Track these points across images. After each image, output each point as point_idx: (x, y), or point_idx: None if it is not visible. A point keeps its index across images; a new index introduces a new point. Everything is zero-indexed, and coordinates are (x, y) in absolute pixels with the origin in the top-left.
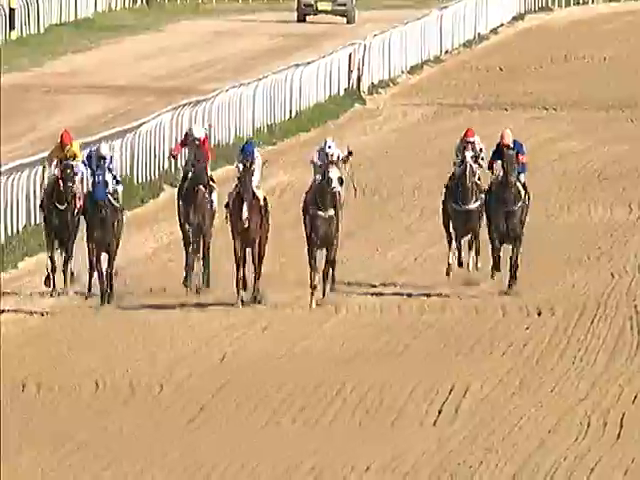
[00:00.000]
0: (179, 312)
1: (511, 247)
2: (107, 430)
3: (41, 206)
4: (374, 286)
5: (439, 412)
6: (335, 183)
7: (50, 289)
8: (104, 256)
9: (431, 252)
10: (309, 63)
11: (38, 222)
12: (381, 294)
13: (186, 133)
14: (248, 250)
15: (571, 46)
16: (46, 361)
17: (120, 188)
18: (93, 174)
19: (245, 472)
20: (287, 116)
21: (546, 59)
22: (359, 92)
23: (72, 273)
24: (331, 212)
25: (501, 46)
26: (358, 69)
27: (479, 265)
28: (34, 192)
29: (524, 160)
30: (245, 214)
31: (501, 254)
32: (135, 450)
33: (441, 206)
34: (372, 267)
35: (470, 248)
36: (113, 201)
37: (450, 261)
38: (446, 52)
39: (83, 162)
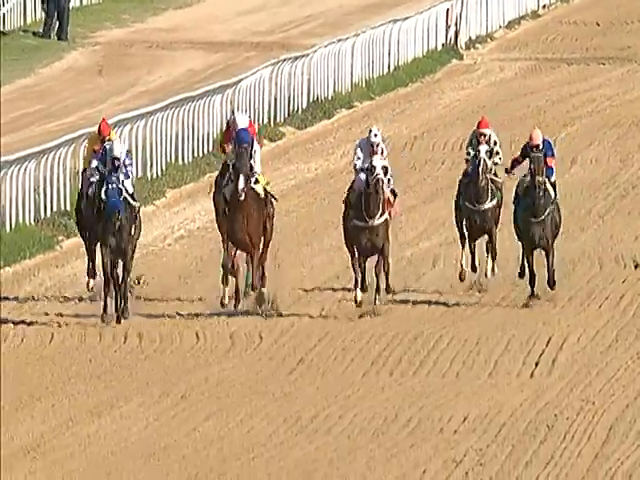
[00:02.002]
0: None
1: (544, 255)
2: (208, 381)
3: (79, 209)
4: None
5: (536, 364)
6: (379, 170)
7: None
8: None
9: None
10: (407, 18)
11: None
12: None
13: (228, 122)
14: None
15: None
16: (146, 311)
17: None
18: (106, 181)
19: (343, 423)
20: (385, 71)
21: None
22: (456, 47)
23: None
24: (376, 221)
25: (599, 0)
26: (456, 24)
27: (495, 271)
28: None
29: (552, 164)
30: (241, 184)
31: (534, 267)
32: (235, 401)
33: (453, 205)
34: None
35: (487, 251)
36: (130, 200)
37: (463, 263)
38: (543, 6)
39: (97, 162)
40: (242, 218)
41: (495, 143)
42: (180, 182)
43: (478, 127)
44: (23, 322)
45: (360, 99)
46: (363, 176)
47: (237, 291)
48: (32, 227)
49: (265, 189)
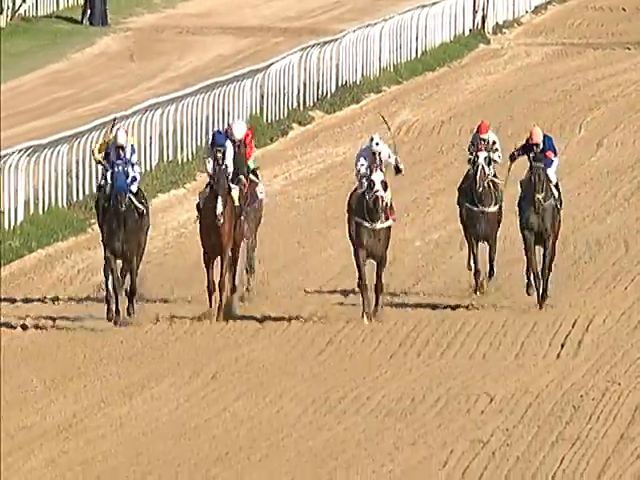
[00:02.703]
0: (310, 249)
1: (542, 251)
2: (238, 362)
3: (97, 206)
4: None
5: (562, 346)
6: (378, 186)
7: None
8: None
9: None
10: (434, 4)
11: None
12: (507, 228)
13: (226, 130)
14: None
15: None
16: (178, 293)
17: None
18: (112, 167)
19: (371, 404)
20: (413, 56)
21: None
22: (483, 32)
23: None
24: (379, 224)
25: None
26: (483, 9)
27: (494, 275)
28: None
29: (551, 156)
30: (220, 209)
31: (537, 268)
32: (265, 382)
33: (457, 208)
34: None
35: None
36: (136, 202)
37: (472, 263)
38: None
39: (106, 154)
40: (218, 229)
41: (494, 143)
42: None
43: (478, 132)
44: (56, 300)
45: (388, 83)
46: (364, 185)
47: (219, 307)
48: (64, 210)
49: (239, 197)
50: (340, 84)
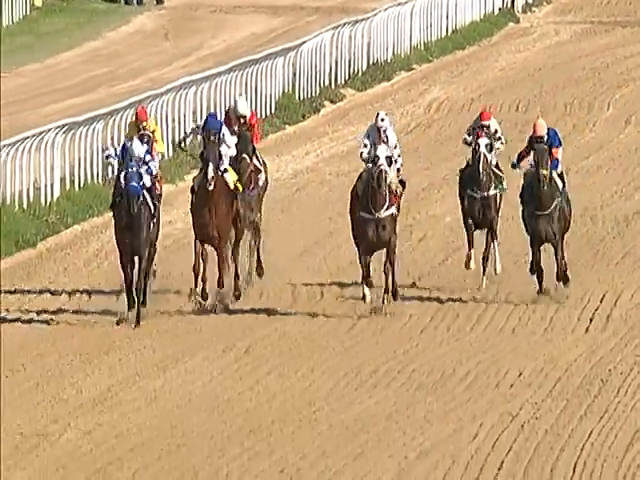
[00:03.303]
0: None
1: (553, 249)
2: (270, 336)
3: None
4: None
5: (590, 320)
6: (383, 161)
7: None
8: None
9: (584, 164)
10: None
11: None
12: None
13: (227, 110)
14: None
15: None
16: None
17: (155, 166)
18: (126, 167)
19: (402, 377)
20: (443, 34)
21: None
22: (513, 11)
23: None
24: (384, 213)
25: None
26: None
27: (498, 267)
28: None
29: (558, 154)
30: (211, 173)
31: (542, 263)
32: (297, 356)
33: (458, 195)
34: None
35: (487, 246)
36: (148, 198)
37: (470, 253)
38: None
39: (116, 153)
40: (210, 210)
41: (496, 131)
42: None
43: (480, 119)
44: (95, 268)
45: (419, 61)
46: (370, 167)
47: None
48: (99, 186)
49: (235, 184)
50: (371, 62)
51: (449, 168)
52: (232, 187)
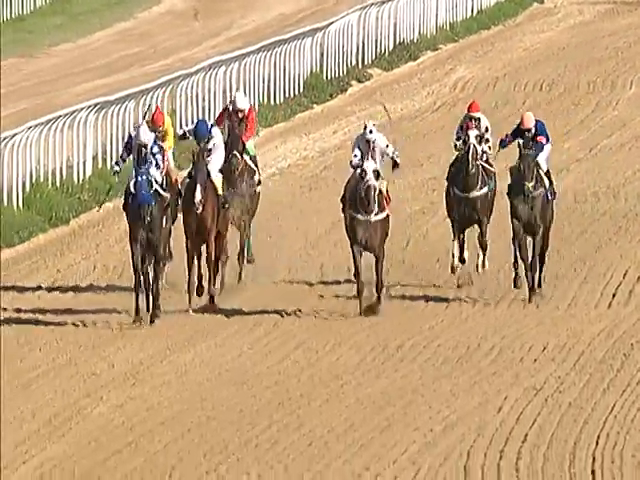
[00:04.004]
0: None
1: (533, 242)
2: (298, 312)
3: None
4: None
5: (613, 295)
6: (370, 176)
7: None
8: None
9: (606, 142)
10: None
11: None
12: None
13: (226, 105)
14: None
15: None
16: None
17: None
18: (135, 174)
19: (428, 352)
20: (468, 14)
21: None
22: None
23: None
24: (373, 216)
25: None
26: None
27: (486, 265)
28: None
29: (542, 140)
30: (198, 196)
31: (527, 256)
32: (324, 330)
33: (444, 192)
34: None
35: (478, 244)
36: (161, 191)
37: (455, 254)
38: None
39: (125, 148)
40: (199, 224)
41: (487, 130)
42: (272, 121)
43: (469, 110)
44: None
45: (444, 41)
46: (357, 175)
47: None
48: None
49: (223, 188)
50: (398, 42)
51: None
52: (220, 192)
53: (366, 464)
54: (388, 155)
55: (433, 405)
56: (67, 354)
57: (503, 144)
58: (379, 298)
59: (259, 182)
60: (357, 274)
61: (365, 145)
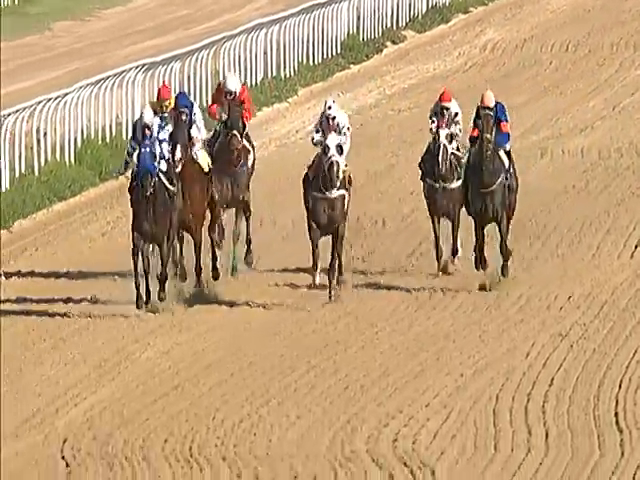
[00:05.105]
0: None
1: (498, 231)
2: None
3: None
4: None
5: (636, 246)
6: (333, 151)
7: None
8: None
9: (629, 101)
10: None
11: None
12: (591, 133)
13: (218, 85)
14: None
15: None
16: (280, 198)
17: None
18: (140, 146)
19: (458, 300)
20: None
21: None
22: None
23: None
24: (335, 193)
25: None
26: None
27: (459, 254)
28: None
29: (506, 129)
30: (178, 154)
31: (485, 245)
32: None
33: (421, 183)
34: (582, 113)
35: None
36: (166, 182)
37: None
38: None
39: (133, 133)
40: (184, 194)
41: (456, 114)
42: (310, 81)
43: (440, 100)
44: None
45: (475, 4)
46: (321, 154)
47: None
48: None
49: (209, 166)
50: (430, 5)
51: (508, 104)
52: (206, 170)
53: (400, 407)
54: (341, 135)
55: (464, 351)
56: (118, 303)
57: (473, 140)
58: (335, 282)
59: (254, 161)
60: (315, 259)
61: (325, 122)
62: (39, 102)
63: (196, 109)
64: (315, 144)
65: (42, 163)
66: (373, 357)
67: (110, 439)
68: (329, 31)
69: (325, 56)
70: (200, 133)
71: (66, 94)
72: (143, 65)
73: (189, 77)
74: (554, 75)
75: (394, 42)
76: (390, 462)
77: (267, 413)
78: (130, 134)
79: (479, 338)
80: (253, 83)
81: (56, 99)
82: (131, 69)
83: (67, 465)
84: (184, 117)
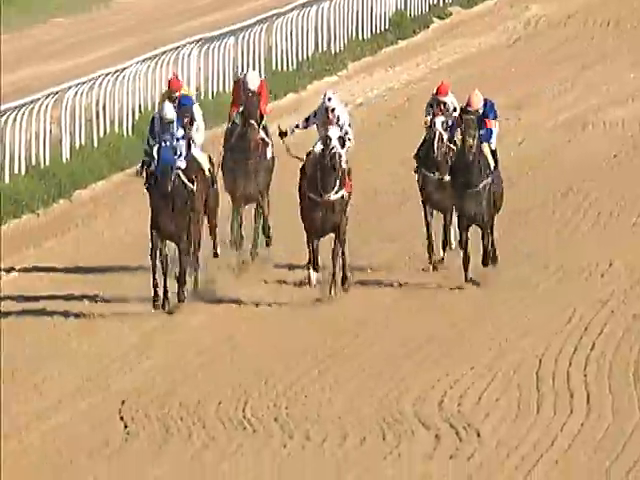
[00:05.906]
0: None
1: (480, 232)
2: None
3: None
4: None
5: None
6: (335, 142)
7: None
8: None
9: None
10: None
11: None
12: (632, 105)
13: (236, 81)
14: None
15: None
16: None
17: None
18: (159, 141)
19: (502, 269)
20: None
21: None
22: None
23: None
24: (335, 194)
25: None
26: None
27: (453, 246)
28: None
29: (491, 125)
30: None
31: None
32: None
33: (416, 175)
34: (626, 84)
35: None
36: (185, 179)
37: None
38: None
39: (151, 127)
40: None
41: (455, 110)
42: (360, 55)
43: (437, 94)
44: None
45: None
46: (319, 146)
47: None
48: (227, 96)
49: (210, 171)
50: None
51: (548, 77)
52: (207, 173)
53: (446, 370)
54: (344, 131)
55: (507, 317)
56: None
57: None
58: (344, 281)
59: (273, 157)
60: (312, 261)
61: (324, 114)
62: (98, 76)
63: (196, 109)
64: (292, 130)
65: (101, 135)
66: (420, 323)
67: (166, 401)
68: (378, 8)
69: (374, 31)
70: (199, 133)
71: (124, 68)
72: (198, 40)
73: (242, 52)
74: (598, 50)
75: (440, 18)
76: (436, 423)
77: (317, 376)
78: (148, 129)
79: (522, 303)
80: (304, 57)
81: (115, 73)
82: (186, 44)
83: (125, 426)
84: (185, 120)
